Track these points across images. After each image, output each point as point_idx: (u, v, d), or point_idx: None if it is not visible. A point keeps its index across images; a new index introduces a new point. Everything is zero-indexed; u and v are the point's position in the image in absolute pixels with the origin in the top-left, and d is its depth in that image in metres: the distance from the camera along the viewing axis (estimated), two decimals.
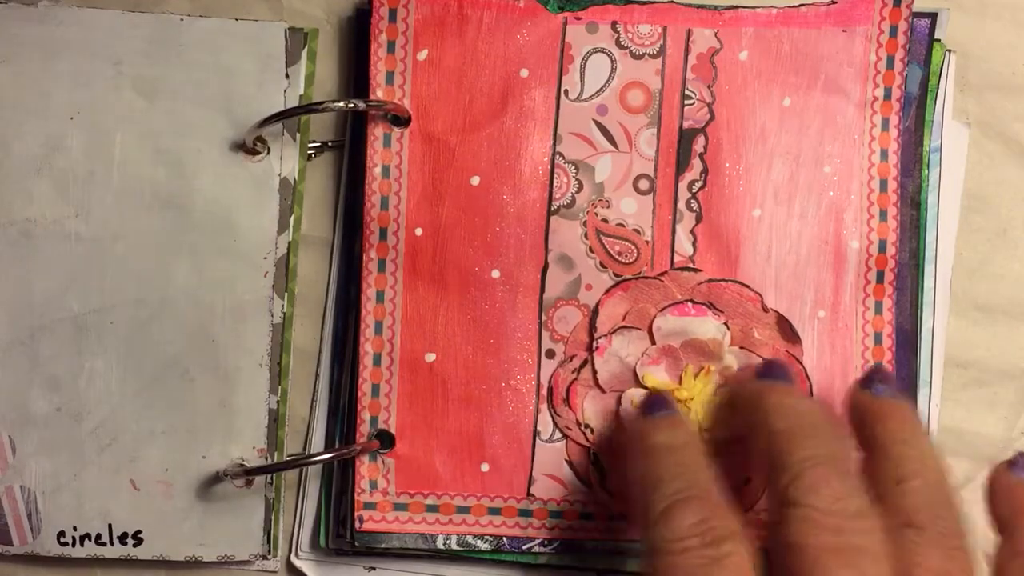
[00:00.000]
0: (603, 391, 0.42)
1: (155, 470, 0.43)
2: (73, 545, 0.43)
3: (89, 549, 0.43)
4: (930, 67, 0.43)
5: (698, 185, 0.43)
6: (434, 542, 0.43)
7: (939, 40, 0.43)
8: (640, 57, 0.43)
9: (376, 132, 0.42)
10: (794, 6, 0.43)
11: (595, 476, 0.42)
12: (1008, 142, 0.45)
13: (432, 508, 0.43)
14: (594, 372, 0.42)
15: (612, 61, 0.43)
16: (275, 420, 0.43)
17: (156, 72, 0.42)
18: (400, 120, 0.43)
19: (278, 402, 0.43)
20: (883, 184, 0.43)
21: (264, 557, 0.43)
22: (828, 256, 0.43)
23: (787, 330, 0.43)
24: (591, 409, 0.43)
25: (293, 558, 0.44)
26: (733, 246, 0.43)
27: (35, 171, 0.42)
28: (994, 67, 0.45)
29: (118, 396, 0.42)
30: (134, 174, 0.42)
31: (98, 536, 0.43)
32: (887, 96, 0.43)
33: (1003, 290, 0.45)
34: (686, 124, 0.43)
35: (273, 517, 0.43)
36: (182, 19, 0.42)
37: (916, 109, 0.43)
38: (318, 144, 0.44)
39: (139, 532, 0.43)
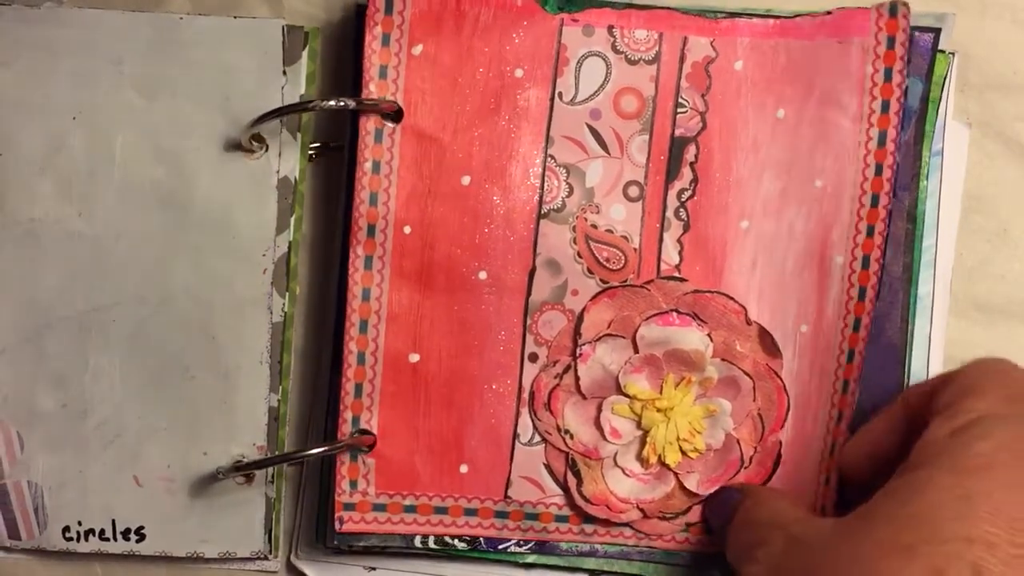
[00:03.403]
0: (584, 398, 0.43)
1: (158, 466, 0.43)
2: (78, 540, 0.43)
3: (93, 544, 0.43)
4: (931, 80, 0.43)
5: (687, 194, 0.43)
6: (412, 542, 0.43)
7: (943, 51, 0.43)
8: (635, 63, 0.42)
9: (368, 127, 0.42)
10: (790, 17, 0.42)
11: (572, 481, 0.43)
12: (1008, 142, 0.45)
13: (410, 508, 0.43)
14: (576, 378, 0.42)
15: (607, 65, 0.42)
16: (276, 419, 0.43)
17: (156, 71, 0.42)
18: (392, 116, 0.42)
19: (279, 401, 0.43)
20: (875, 199, 0.42)
21: (265, 557, 0.44)
22: (813, 271, 0.43)
23: (768, 344, 0.42)
24: (572, 415, 0.43)
25: (293, 558, 0.45)
26: (719, 257, 0.43)
27: (38, 171, 0.42)
28: (994, 67, 0.44)
29: (121, 393, 0.43)
30: (135, 173, 0.43)
31: (102, 531, 0.43)
32: (884, 109, 0.42)
33: (1003, 290, 0.45)
34: (678, 132, 0.42)
35: (274, 516, 0.44)
36: (181, 18, 0.42)
37: (916, 122, 0.43)
38: (319, 145, 0.44)
39: (142, 528, 0.43)
